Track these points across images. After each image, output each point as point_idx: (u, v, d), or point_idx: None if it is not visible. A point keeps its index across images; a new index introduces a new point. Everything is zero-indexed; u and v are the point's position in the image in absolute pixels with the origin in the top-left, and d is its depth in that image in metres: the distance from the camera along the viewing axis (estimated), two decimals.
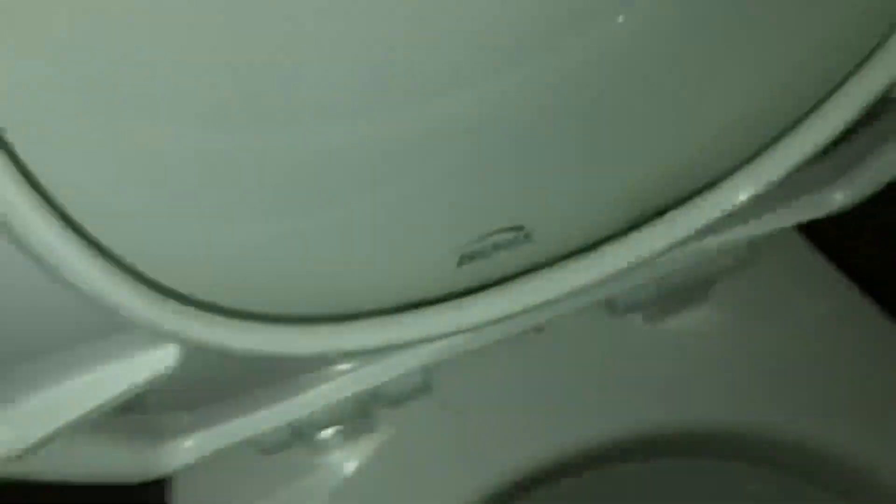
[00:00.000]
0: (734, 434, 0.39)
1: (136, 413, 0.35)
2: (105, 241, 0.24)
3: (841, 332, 0.40)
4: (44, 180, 0.22)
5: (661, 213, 0.34)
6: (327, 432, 0.39)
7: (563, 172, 0.33)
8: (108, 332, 0.25)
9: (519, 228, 0.33)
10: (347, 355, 0.34)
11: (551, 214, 0.33)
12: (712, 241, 0.36)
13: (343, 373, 0.37)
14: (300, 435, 0.39)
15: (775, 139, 0.31)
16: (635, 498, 0.40)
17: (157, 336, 0.26)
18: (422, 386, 0.37)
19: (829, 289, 0.40)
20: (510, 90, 0.30)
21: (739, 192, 0.32)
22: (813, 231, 0.43)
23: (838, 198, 0.36)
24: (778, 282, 0.40)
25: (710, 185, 0.33)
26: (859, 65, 0.29)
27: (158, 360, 0.27)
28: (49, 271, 0.22)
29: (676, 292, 0.37)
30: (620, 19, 0.30)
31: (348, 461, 0.40)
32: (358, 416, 0.38)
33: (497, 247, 0.33)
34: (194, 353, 0.28)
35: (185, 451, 0.36)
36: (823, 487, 0.39)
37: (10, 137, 0.21)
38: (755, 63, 0.31)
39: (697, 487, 0.41)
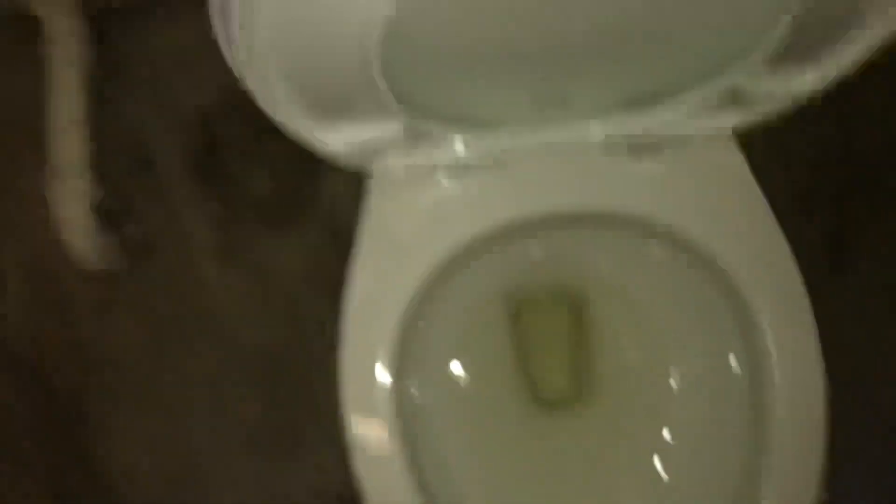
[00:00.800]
0: (640, 219, 0.72)
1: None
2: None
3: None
4: None
5: (646, 104, 0.65)
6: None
7: (593, 75, 0.63)
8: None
9: (563, 97, 0.65)
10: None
11: (582, 95, 0.64)
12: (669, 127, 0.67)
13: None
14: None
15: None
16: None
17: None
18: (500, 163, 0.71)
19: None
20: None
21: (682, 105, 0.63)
22: None
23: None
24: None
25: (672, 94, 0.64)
26: None
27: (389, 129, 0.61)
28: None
29: (642, 147, 0.70)
30: None
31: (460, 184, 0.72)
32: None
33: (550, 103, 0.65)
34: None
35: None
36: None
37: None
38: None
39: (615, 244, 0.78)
